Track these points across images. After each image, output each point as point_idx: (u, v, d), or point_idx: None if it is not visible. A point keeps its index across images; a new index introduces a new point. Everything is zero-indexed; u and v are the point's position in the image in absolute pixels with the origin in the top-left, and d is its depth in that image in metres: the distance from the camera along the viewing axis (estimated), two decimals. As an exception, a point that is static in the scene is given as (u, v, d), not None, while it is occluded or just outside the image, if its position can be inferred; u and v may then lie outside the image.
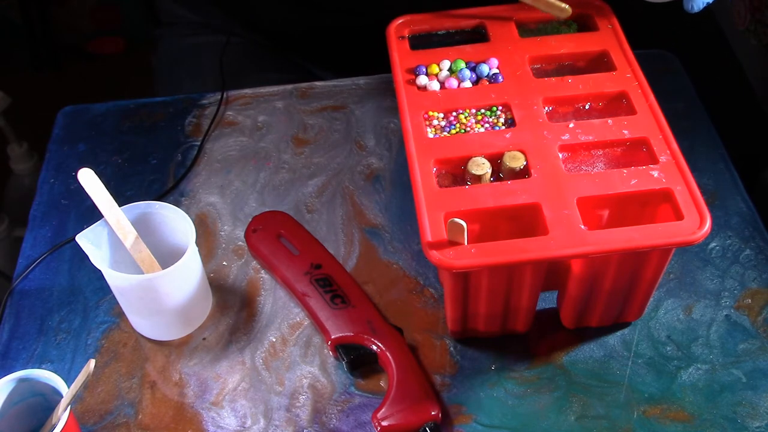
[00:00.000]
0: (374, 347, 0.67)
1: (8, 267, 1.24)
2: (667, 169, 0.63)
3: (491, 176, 0.64)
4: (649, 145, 0.65)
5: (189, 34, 1.01)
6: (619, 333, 0.69)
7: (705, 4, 0.63)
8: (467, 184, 0.64)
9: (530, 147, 0.65)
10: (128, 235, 0.67)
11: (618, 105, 0.69)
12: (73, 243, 0.73)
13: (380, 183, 0.81)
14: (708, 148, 0.82)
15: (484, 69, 0.71)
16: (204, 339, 0.71)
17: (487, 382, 0.67)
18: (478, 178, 0.63)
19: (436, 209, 0.61)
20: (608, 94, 0.69)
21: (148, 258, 0.68)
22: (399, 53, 0.73)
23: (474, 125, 0.67)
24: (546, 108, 0.68)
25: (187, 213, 0.69)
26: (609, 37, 0.73)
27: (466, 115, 0.68)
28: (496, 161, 0.64)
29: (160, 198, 0.80)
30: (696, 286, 0.72)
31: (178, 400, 0.67)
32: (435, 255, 0.58)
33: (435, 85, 0.70)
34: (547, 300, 0.71)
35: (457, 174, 0.65)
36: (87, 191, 0.65)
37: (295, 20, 0.97)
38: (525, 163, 0.63)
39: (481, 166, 0.63)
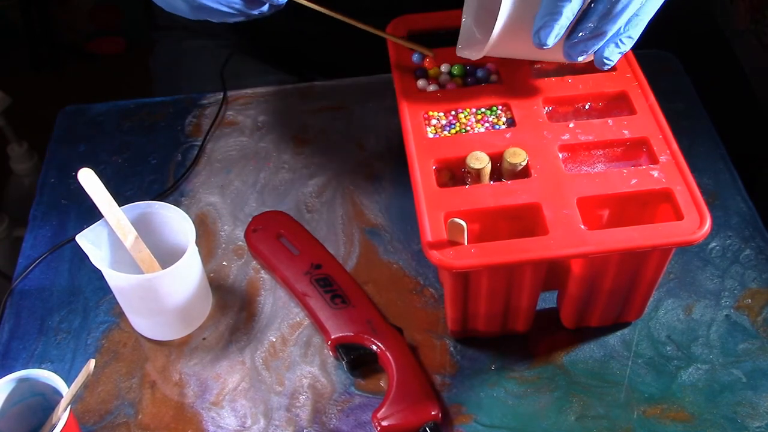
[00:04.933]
0: (374, 347, 0.67)
1: (8, 267, 1.25)
2: (667, 169, 0.63)
3: (491, 178, 0.64)
4: (649, 145, 0.65)
5: (186, 37, 1.01)
6: (619, 333, 0.69)
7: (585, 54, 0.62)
8: (467, 184, 0.64)
9: (530, 147, 0.65)
10: (128, 235, 0.67)
11: (618, 105, 0.69)
12: (73, 243, 0.73)
13: (380, 183, 0.81)
14: (708, 148, 0.82)
15: (481, 72, 0.71)
16: (204, 339, 0.71)
17: (487, 382, 0.67)
18: (477, 172, 0.63)
19: (436, 209, 0.61)
20: (608, 94, 0.69)
21: (148, 258, 0.68)
22: (399, 54, 0.73)
23: (474, 125, 0.67)
24: (546, 108, 0.68)
25: (187, 213, 0.69)
26: (609, 37, 0.73)
27: (466, 114, 0.68)
28: (496, 163, 0.64)
29: (160, 198, 0.80)
30: (696, 286, 0.72)
31: (178, 400, 0.67)
32: (435, 255, 0.58)
33: (435, 87, 0.70)
34: (547, 300, 0.71)
35: (457, 174, 0.65)
36: (87, 191, 0.65)
37: (292, 31, 0.97)
38: (526, 159, 0.63)
39: (481, 160, 0.63)
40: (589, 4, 0.59)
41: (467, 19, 0.68)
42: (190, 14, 0.68)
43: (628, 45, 0.61)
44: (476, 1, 0.68)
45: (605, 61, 0.61)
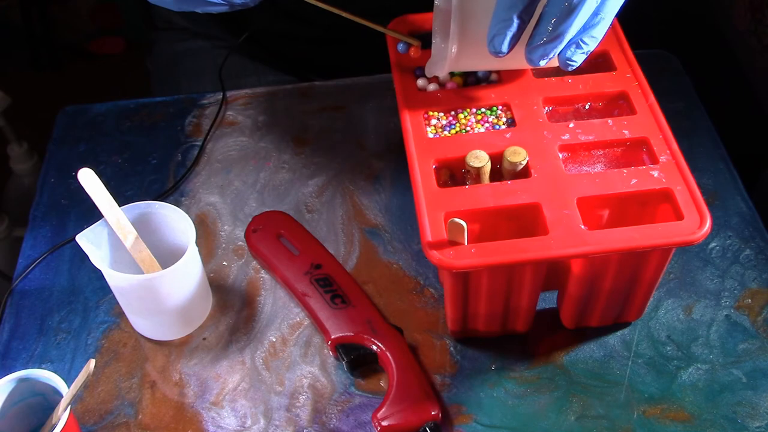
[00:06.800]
0: (374, 347, 0.67)
1: (8, 267, 1.25)
2: (667, 169, 0.63)
3: (491, 179, 0.64)
4: (649, 145, 0.65)
5: (184, 39, 1.01)
6: (619, 333, 0.69)
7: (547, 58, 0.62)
8: (467, 184, 0.64)
9: (530, 147, 0.65)
10: (128, 235, 0.67)
11: (618, 105, 0.69)
12: (73, 243, 0.73)
13: (380, 183, 0.81)
14: (708, 148, 0.82)
15: (481, 71, 0.71)
16: (204, 339, 0.71)
17: (487, 382, 0.67)
18: (477, 171, 0.63)
19: (436, 209, 0.61)
20: (608, 94, 0.69)
21: (148, 258, 0.68)
22: (398, 54, 0.73)
23: (474, 125, 0.67)
24: (546, 108, 0.69)
25: (187, 213, 0.69)
26: (609, 37, 0.73)
27: (466, 114, 0.68)
28: (496, 164, 0.64)
29: (160, 198, 0.80)
30: (696, 286, 0.72)
31: (178, 400, 0.67)
32: (435, 255, 0.58)
33: (434, 87, 0.71)
34: (547, 300, 0.71)
35: (457, 175, 0.65)
36: (87, 191, 0.65)
37: (292, 33, 0.97)
38: (526, 158, 0.63)
39: (480, 158, 0.63)
40: (545, 7, 0.59)
41: (436, 37, 0.68)
42: (174, 6, 0.67)
43: (591, 45, 0.60)
44: (441, 19, 0.68)
45: (569, 62, 0.61)
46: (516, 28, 0.58)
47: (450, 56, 0.63)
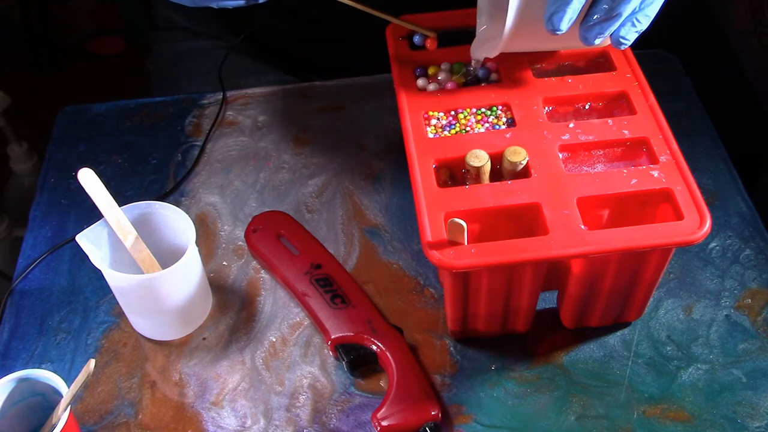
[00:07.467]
0: (374, 347, 0.67)
1: (8, 267, 1.25)
2: (667, 169, 0.63)
3: (491, 179, 0.64)
4: (649, 145, 0.65)
5: (185, 39, 1.01)
6: (619, 333, 0.69)
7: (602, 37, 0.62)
8: (467, 184, 0.64)
9: (530, 147, 0.65)
10: (128, 235, 0.67)
11: (618, 105, 0.69)
12: (73, 243, 0.73)
13: (380, 183, 0.81)
14: (708, 148, 0.82)
15: (481, 71, 0.71)
16: (204, 339, 0.71)
17: (487, 382, 0.67)
18: (477, 170, 0.63)
19: (436, 209, 0.61)
20: (608, 94, 0.69)
21: (148, 258, 0.68)
22: (398, 53, 0.73)
23: (474, 125, 0.67)
24: (546, 108, 0.68)
25: (187, 213, 0.69)
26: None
27: (466, 114, 0.68)
28: (495, 165, 0.64)
29: (160, 198, 0.80)
30: (696, 286, 0.72)
31: (178, 400, 0.67)
32: (435, 255, 0.58)
33: (434, 86, 0.71)
34: (547, 300, 0.71)
35: (457, 175, 0.65)
36: (87, 191, 0.65)
37: (292, 32, 0.97)
38: (526, 158, 0.63)
39: (480, 158, 0.63)
40: None
41: (482, 18, 0.68)
42: (189, 1, 0.67)
43: (644, 23, 0.61)
44: (489, 1, 0.68)
45: (621, 40, 0.62)
46: (575, 5, 0.59)
47: (505, 36, 0.63)
